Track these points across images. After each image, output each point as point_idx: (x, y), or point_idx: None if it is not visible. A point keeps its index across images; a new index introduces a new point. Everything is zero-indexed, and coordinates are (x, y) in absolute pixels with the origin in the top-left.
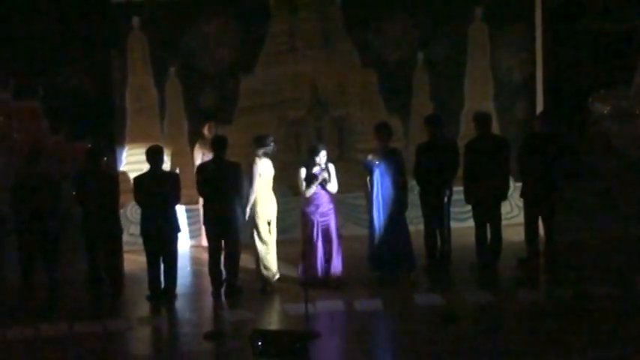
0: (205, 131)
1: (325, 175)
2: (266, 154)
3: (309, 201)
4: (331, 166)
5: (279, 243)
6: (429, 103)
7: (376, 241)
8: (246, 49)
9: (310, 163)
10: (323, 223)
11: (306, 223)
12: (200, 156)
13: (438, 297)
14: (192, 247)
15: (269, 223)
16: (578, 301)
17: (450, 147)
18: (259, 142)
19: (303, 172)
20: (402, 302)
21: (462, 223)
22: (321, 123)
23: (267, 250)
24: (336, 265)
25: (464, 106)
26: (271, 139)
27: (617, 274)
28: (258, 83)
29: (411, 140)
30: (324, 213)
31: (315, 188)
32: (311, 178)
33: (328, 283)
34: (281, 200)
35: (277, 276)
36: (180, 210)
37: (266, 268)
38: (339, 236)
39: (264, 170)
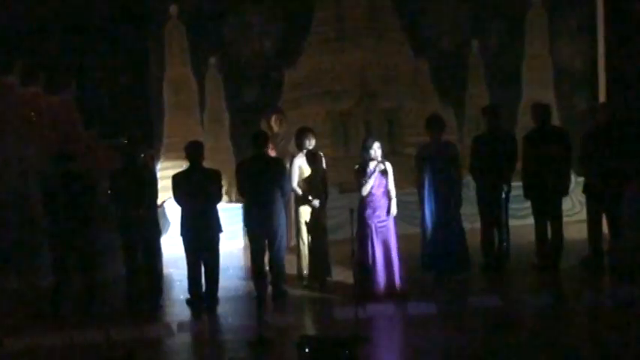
0: (273, 124)
1: (382, 166)
2: (307, 149)
3: (365, 203)
4: (388, 165)
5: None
6: (484, 94)
7: (429, 240)
8: (290, 37)
9: (364, 159)
10: (381, 230)
11: (362, 227)
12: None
13: (495, 299)
14: (245, 247)
15: (306, 223)
16: None
17: (508, 139)
18: (298, 136)
19: (359, 171)
20: (456, 305)
21: (521, 220)
22: (370, 115)
23: (307, 251)
24: (397, 275)
25: (522, 96)
26: (309, 134)
27: None
28: (303, 74)
29: (465, 133)
30: (383, 219)
31: (372, 182)
32: (365, 174)
33: (390, 296)
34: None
35: (304, 282)
36: (234, 207)
37: (302, 269)
38: (396, 242)
39: (305, 167)
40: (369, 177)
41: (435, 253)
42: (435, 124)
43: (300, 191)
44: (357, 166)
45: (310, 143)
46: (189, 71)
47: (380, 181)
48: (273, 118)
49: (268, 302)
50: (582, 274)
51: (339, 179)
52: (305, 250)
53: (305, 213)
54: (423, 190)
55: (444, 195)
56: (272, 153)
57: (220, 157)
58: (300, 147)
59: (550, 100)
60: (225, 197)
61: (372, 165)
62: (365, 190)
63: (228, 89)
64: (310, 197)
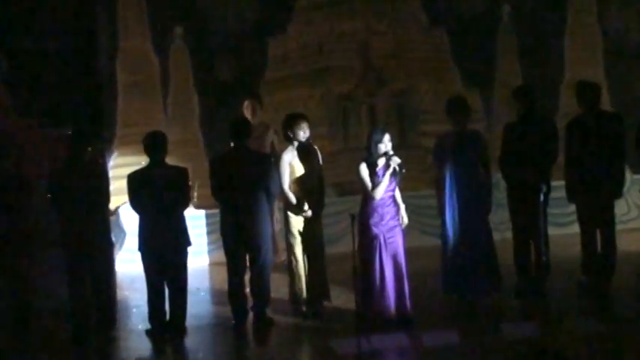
0: (245, 112)
1: (398, 160)
2: (299, 142)
3: (371, 208)
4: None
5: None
6: (517, 72)
7: (450, 253)
8: (275, 2)
9: (372, 154)
10: (390, 241)
11: (368, 238)
12: None
13: (532, 327)
14: (212, 264)
15: (300, 234)
16: None
17: (547, 128)
18: (288, 124)
19: (364, 168)
20: (485, 335)
21: (564, 228)
22: (376, 99)
23: (300, 270)
24: (408, 296)
25: (564, 75)
26: (302, 122)
27: None
28: (291, 47)
29: (495, 120)
30: (391, 228)
31: (386, 183)
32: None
33: (401, 321)
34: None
35: (303, 308)
36: (197, 216)
37: (295, 291)
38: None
39: (296, 163)
40: (383, 176)
41: (458, 271)
42: (457, 109)
43: (292, 197)
44: (363, 163)
45: (305, 134)
46: (148, 45)
47: (390, 183)
48: (245, 105)
49: (249, 332)
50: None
51: (337, 178)
52: (300, 268)
53: (297, 221)
54: (442, 192)
55: (469, 198)
56: None
57: (188, 152)
58: (289, 139)
59: (599, 80)
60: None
61: (382, 161)
62: (379, 194)
63: (198, 66)
64: (306, 205)
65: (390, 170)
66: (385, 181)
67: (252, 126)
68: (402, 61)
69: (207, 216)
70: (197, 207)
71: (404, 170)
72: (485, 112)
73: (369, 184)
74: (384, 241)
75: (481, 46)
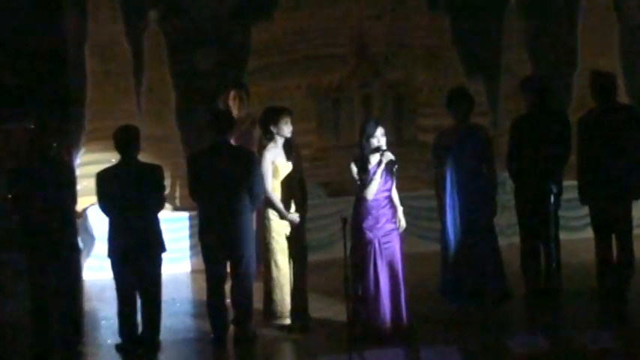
0: (230, 104)
1: (391, 156)
2: (285, 138)
3: (365, 210)
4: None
5: (311, 266)
6: (526, 60)
7: (451, 260)
8: None
9: (363, 150)
10: (386, 247)
11: (361, 243)
12: None
13: (541, 340)
14: (194, 272)
15: (286, 238)
16: None
17: (559, 122)
18: (270, 118)
19: (355, 165)
20: (489, 349)
21: (576, 233)
22: (370, 90)
23: (283, 278)
24: (405, 307)
25: (577, 63)
26: (286, 116)
27: None
28: (276, 34)
29: (501, 114)
30: (387, 232)
31: (379, 180)
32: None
33: (397, 335)
34: (311, 204)
35: (287, 321)
36: (180, 218)
37: (277, 302)
38: (403, 264)
39: (280, 163)
40: (374, 174)
41: (459, 278)
42: (459, 101)
43: (276, 199)
44: (354, 160)
45: (289, 129)
46: (121, 30)
47: (385, 182)
48: (230, 96)
49: (229, 347)
50: None
51: (327, 177)
52: (280, 275)
53: (280, 226)
54: (443, 192)
55: (472, 199)
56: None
57: (163, 148)
58: (271, 134)
59: (615, 70)
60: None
61: (374, 158)
62: (371, 193)
63: (175, 54)
64: (292, 209)
65: (382, 167)
66: (377, 180)
67: (234, 119)
68: (398, 48)
69: (191, 218)
70: (179, 208)
71: (396, 167)
72: (490, 104)
73: (361, 183)
74: (379, 246)
75: (486, 32)
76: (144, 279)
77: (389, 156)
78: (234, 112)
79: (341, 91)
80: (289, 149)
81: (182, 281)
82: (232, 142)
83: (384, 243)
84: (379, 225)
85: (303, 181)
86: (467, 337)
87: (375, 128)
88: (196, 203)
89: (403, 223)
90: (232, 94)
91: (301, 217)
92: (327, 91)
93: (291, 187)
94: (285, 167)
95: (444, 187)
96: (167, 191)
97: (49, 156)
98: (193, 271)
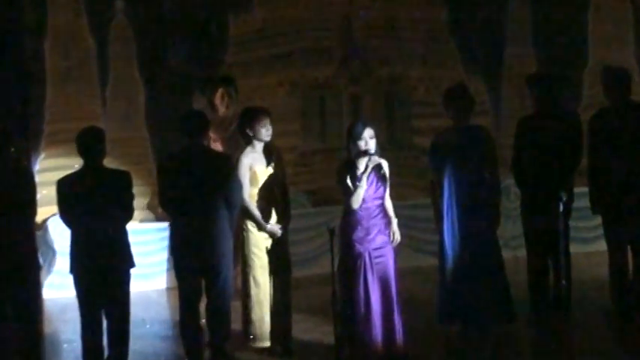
0: (217, 102)
1: (378, 160)
2: (263, 141)
3: (354, 221)
4: (385, 163)
5: (296, 282)
6: (531, 54)
7: (450, 276)
8: None
9: (351, 154)
10: (378, 261)
11: (350, 257)
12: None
13: None
14: (170, 289)
15: (267, 252)
16: None
17: (568, 123)
18: (247, 121)
19: (342, 170)
20: None
21: (588, 245)
22: (360, 88)
23: (262, 296)
24: (399, 329)
25: (588, 58)
26: (264, 117)
27: None
28: (256, 25)
29: (504, 114)
30: (379, 245)
31: (364, 188)
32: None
33: (390, 358)
34: (295, 214)
35: (267, 344)
36: (160, 228)
37: (256, 323)
38: (397, 281)
39: (259, 169)
40: (360, 180)
41: (459, 296)
42: (458, 100)
43: (254, 209)
44: (341, 165)
45: (268, 132)
46: (83, 21)
47: (376, 188)
48: (218, 94)
49: None
50: None
51: (313, 185)
52: (259, 292)
53: (259, 238)
54: (440, 200)
55: (473, 208)
56: (216, 146)
57: (131, 152)
58: (248, 138)
59: (631, 65)
60: (145, 213)
61: (362, 163)
62: (356, 202)
63: (144, 48)
64: (273, 220)
65: (368, 172)
66: (363, 187)
67: (208, 120)
68: (391, 41)
69: (166, 229)
70: (158, 218)
71: (382, 171)
72: (492, 103)
73: (348, 190)
74: (370, 260)
75: (487, 24)
76: (110, 297)
77: (375, 160)
78: (222, 111)
79: (327, 89)
80: (269, 154)
81: (154, 300)
82: (219, 145)
83: (376, 257)
84: (370, 237)
85: (286, 189)
86: None
87: (363, 129)
88: (167, 213)
89: (398, 237)
90: (221, 91)
91: (283, 228)
92: (312, 88)
93: (272, 195)
94: (265, 173)
95: (441, 195)
96: (147, 200)
97: (5, 161)
98: (169, 289)
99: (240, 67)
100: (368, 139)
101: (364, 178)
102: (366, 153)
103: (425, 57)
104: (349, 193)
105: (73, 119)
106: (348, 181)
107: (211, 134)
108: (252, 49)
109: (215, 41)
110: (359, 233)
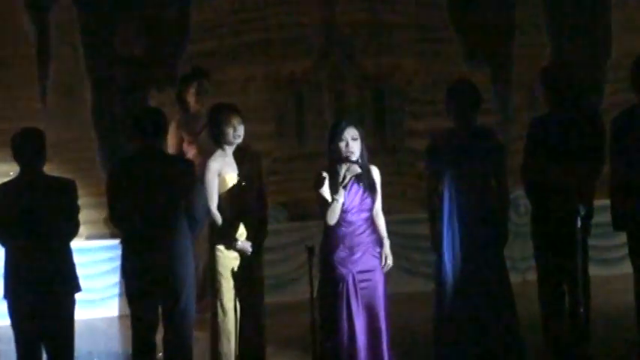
0: (189, 99)
1: (358, 169)
2: (232, 143)
3: (335, 238)
4: (375, 170)
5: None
6: (546, 45)
7: (448, 303)
8: None
9: (332, 159)
10: (363, 286)
11: (331, 281)
12: (176, 144)
13: None
14: (123, 316)
15: (233, 275)
16: None
17: (589, 124)
18: (213, 120)
19: (323, 179)
20: None
21: (611, 267)
22: (344, 83)
23: (231, 326)
24: None
25: (611, 50)
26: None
27: None
28: (223, 10)
29: (514, 114)
30: (367, 267)
31: (342, 200)
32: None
33: None
34: (269, 229)
35: None
36: (100, 247)
37: (223, 356)
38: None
39: (229, 175)
40: (338, 191)
41: (459, 328)
42: (460, 97)
43: (220, 220)
44: (319, 173)
45: (237, 132)
46: (20, 6)
47: (362, 199)
48: (191, 89)
49: None
50: None
51: (288, 195)
52: (229, 323)
53: (228, 257)
54: (439, 214)
55: (477, 223)
56: (190, 151)
57: (76, 157)
58: (218, 139)
59: None
60: (93, 228)
61: (343, 170)
62: (331, 217)
63: (91, 36)
64: (242, 234)
65: (346, 182)
66: (339, 200)
67: (166, 119)
68: (380, 29)
69: (118, 247)
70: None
71: (370, 179)
72: (500, 101)
73: (323, 203)
74: (354, 285)
75: (494, 9)
76: (51, 327)
77: (355, 170)
78: (195, 108)
79: (306, 84)
80: (240, 159)
81: (102, 330)
82: (193, 148)
83: (362, 281)
84: (355, 257)
85: (264, 199)
86: None
87: (344, 128)
88: (118, 229)
89: (390, 262)
90: (194, 86)
91: (258, 245)
92: (288, 83)
93: (244, 206)
94: (234, 180)
95: (440, 208)
96: (97, 213)
97: None
98: (121, 317)
99: (204, 59)
100: (349, 141)
101: (341, 190)
102: (347, 159)
103: (421, 47)
104: (325, 207)
105: (6, 119)
106: (325, 191)
107: (184, 136)
108: (218, 38)
109: (174, 28)
110: (341, 253)
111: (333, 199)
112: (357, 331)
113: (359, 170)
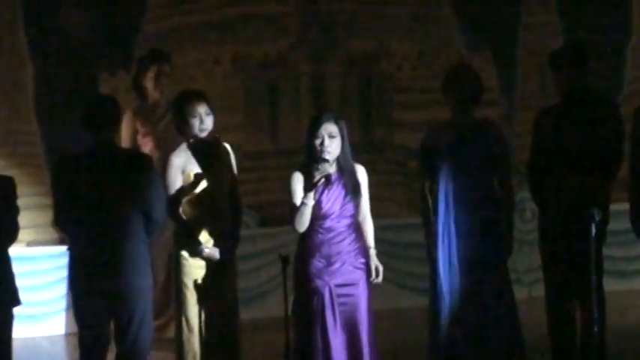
0: (147, 84)
1: (329, 169)
2: (196, 136)
3: (312, 246)
4: (360, 170)
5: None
6: (556, 29)
7: (445, 320)
8: None
9: (308, 155)
10: (343, 301)
11: (305, 295)
12: (130, 136)
13: None
14: (71, 334)
15: (196, 287)
16: None
17: (605, 117)
18: (180, 109)
19: (298, 178)
20: None
21: (629, 281)
22: (325, 68)
23: (197, 344)
24: None
25: (631, 33)
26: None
27: None
28: None
29: (519, 105)
30: (347, 280)
31: (310, 205)
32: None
33: None
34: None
35: None
36: (45, 255)
37: None
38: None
39: (195, 172)
40: (308, 192)
41: (456, 347)
42: (459, 85)
43: (183, 224)
44: (296, 173)
45: (203, 124)
46: None
47: (342, 204)
48: (150, 73)
49: None
50: None
51: (260, 197)
52: (194, 340)
53: (194, 267)
54: (434, 219)
55: (477, 229)
56: (146, 144)
57: (17, 152)
58: (182, 131)
59: None
60: (36, 233)
61: (315, 169)
62: (299, 223)
63: (34, 13)
64: (208, 240)
65: (320, 183)
66: (308, 204)
67: (119, 110)
68: (367, 5)
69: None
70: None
71: (353, 180)
72: (504, 90)
73: (292, 207)
74: (331, 299)
75: None
76: None
77: (325, 168)
78: (154, 96)
79: (281, 69)
80: (208, 152)
81: (46, 349)
82: (150, 141)
83: (340, 295)
84: (333, 268)
85: (237, 199)
86: None
87: (320, 126)
88: (64, 233)
89: (379, 279)
90: (153, 70)
91: (230, 252)
92: (259, 68)
93: (213, 207)
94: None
95: (435, 213)
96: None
97: None
98: (68, 334)
99: (164, 39)
100: (326, 138)
101: (310, 194)
102: (322, 154)
103: (413, 27)
104: (293, 211)
105: None
106: (296, 194)
107: (139, 127)
108: (180, 15)
109: (128, 3)
110: (317, 263)
111: (302, 203)
112: (334, 350)
113: (331, 170)
